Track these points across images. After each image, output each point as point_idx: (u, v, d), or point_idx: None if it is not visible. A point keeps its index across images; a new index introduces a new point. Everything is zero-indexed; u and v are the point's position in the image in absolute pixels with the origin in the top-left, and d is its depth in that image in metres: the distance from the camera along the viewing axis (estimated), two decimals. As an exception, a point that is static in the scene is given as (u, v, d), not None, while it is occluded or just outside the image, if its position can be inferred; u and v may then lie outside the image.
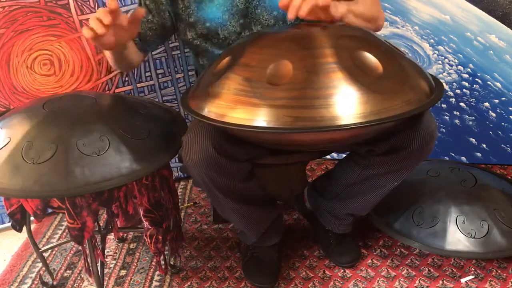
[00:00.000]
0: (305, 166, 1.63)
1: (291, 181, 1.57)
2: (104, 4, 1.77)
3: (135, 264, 1.63)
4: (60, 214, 1.90)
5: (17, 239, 1.82)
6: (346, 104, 1.03)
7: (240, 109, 1.06)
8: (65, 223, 1.86)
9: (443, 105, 1.99)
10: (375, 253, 1.60)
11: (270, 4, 1.37)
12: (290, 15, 1.13)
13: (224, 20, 1.37)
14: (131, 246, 1.73)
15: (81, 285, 1.56)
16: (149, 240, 1.34)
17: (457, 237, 1.45)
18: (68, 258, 1.69)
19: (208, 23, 1.38)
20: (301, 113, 1.02)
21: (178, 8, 1.38)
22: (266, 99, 1.05)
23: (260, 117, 1.04)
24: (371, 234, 1.68)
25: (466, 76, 1.94)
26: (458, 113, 2.00)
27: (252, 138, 1.19)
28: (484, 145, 2.01)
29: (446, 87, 1.96)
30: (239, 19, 1.37)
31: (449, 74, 1.95)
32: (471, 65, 1.92)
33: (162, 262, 1.44)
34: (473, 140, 2.01)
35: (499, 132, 1.98)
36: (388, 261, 1.56)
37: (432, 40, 1.92)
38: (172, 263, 1.58)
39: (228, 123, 1.08)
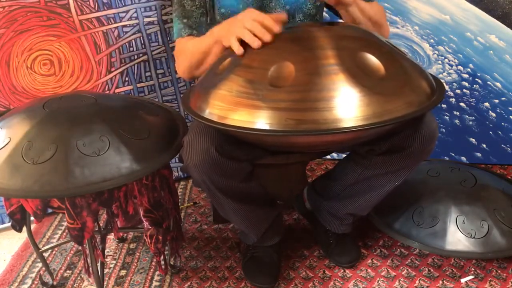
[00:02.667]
0: (305, 166, 1.63)
1: (291, 181, 1.58)
2: (104, 5, 1.77)
3: (135, 264, 1.63)
4: (60, 214, 1.90)
5: (17, 239, 1.81)
6: (348, 106, 1.03)
7: (242, 111, 1.06)
8: (65, 223, 1.86)
9: (443, 105, 1.99)
10: (375, 253, 1.60)
11: None
12: None
13: (238, 9, 1.38)
14: (131, 246, 1.73)
15: (81, 285, 1.56)
16: (149, 240, 1.33)
17: (457, 237, 1.45)
18: (68, 258, 1.69)
19: (223, 9, 1.40)
20: (304, 115, 1.02)
21: None
22: (268, 102, 1.04)
23: (262, 120, 1.04)
24: (371, 234, 1.68)
25: (466, 76, 1.94)
26: (458, 113, 2.00)
27: (254, 140, 1.18)
28: (484, 145, 2.01)
29: (446, 87, 1.96)
30: None
31: (449, 74, 1.95)
32: (471, 65, 1.92)
33: (162, 262, 1.44)
34: (473, 140, 2.01)
35: (499, 132, 1.98)
36: (388, 261, 1.56)
37: (432, 40, 1.92)
38: (172, 263, 1.58)
39: (230, 125, 1.07)
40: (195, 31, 1.41)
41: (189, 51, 1.38)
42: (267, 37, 1.12)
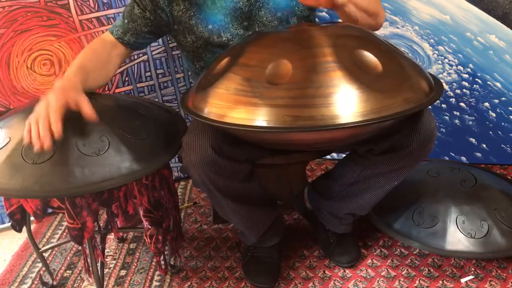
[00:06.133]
0: (305, 166, 1.63)
1: (291, 181, 1.57)
2: (104, 5, 1.77)
3: (135, 264, 1.63)
4: (60, 214, 1.90)
5: (17, 239, 1.82)
6: (346, 102, 1.03)
7: (240, 109, 1.06)
8: (65, 223, 1.86)
9: (443, 105, 1.99)
10: (375, 253, 1.60)
11: (273, 5, 1.36)
12: None
13: (226, 23, 1.36)
14: (131, 246, 1.73)
15: (81, 285, 1.56)
16: (149, 240, 1.34)
17: (457, 237, 1.45)
18: (68, 258, 1.69)
19: (210, 25, 1.36)
20: (301, 112, 1.02)
21: (177, 10, 1.36)
22: (266, 99, 1.04)
23: (260, 117, 1.04)
24: (371, 234, 1.68)
25: (466, 76, 1.94)
26: (458, 113, 2.00)
27: (253, 138, 1.18)
28: (484, 145, 2.01)
29: (446, 87, 1.96)
30: (242, 21, 1.36)
31: (449, 74, 1.95)
32: (471, 65, 1.92)
33: (162, 262, 1.44)
34: (473, 140, 2.01)
35: (499, 132, 1.98)
36: (388, 261, 1.56)
37: (432, 40, 1.92)
38: (172, 263, 1.58)
39: (227, 123, 1.07)
40: (128, 37, 1.38)
41: (82, 53, 1.37)
42: (45, 145, 1.10)
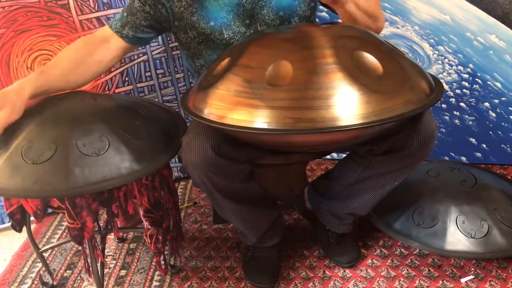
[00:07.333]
0: (305, 166, 1.63)
1: (291, 181, 1.57)
2: (104, 5, 1.77)
3: (135, 264, 1.63)
4: (60, 214, 1.90)
5: (17, 239, 1.82)
6: (347, 104, 1.03)
7: (240, 110, 1.06)
8: (65, 223, 1.86)
9: (443, 105, 1.99)
10: (375, 253, 1.60)
11: (276, 4, 1.36)
12: None
13: (228, 20, 1.36)
14: (131, 246, 1.73)
15: (81, 285, 1.56)
16: (149, 240, 1.33)
17: (457, 237, 1.45)
18: (68, 258, 1.69)
19: (212, 22, 1.36)
20: (302, 114, 1.02)
21: (178, 6, 1.36)
22: (266, 101, 1.04)
23: (260, 119, 1.03)
24: (371, 234, 1.68)
25: (466, 76, 1.94)
26: (458, 113, 2.00)
27: (253, 139, 1.18)
28: (484, 145, 2.01)
29: (446, 87, 1.96)
30: (244, 19, 1.36)
31: (449, 74, 1.95)
32: (471, 65, 1.92)
33: (162, 262, 1.44)
34: (473, 140, 2.01)
35: (499, 132, 1.98)
36: (388, 261, 1.56)
37: (432, 40, 1.92)
38: (172, 263, 1.58)
39: (227, 124, 1.07)
40: (127, 30, 1.37)
41: (58, 55, 1.38)
42: None
